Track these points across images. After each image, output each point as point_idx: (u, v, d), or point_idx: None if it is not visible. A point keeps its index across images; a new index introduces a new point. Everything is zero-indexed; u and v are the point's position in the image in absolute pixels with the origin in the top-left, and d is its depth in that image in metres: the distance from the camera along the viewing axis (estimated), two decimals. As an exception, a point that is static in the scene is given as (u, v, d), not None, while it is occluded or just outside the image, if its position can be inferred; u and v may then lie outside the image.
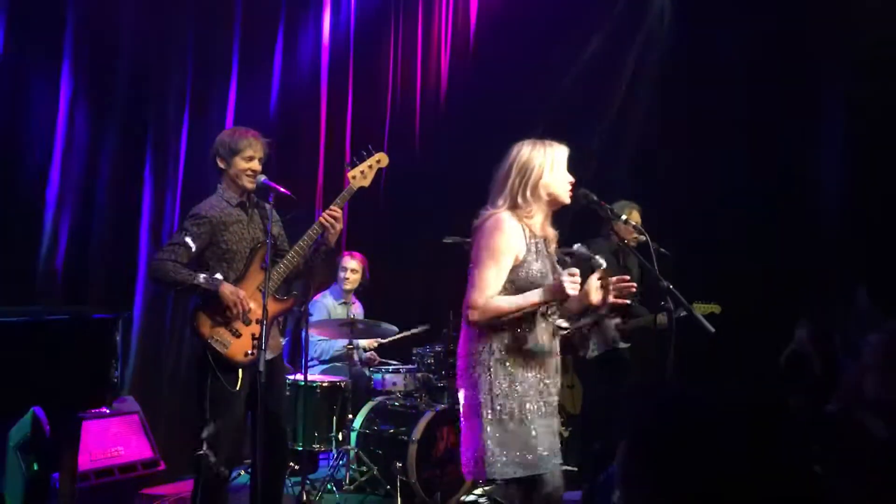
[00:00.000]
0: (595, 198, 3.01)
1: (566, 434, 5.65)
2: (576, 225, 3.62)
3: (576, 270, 2.66)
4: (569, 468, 2.81)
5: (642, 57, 7.14)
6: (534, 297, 2.69)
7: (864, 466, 4.27)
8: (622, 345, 5.18)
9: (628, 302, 2.88)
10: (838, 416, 4.36)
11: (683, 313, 2.88)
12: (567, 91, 7.04)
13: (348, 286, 5.61)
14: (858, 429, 4.33)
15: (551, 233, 2.88)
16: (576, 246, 2.83)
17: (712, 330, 2.74)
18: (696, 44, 6.79)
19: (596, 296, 2.78)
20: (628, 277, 2.84)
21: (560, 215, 2.98)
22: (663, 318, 4.67)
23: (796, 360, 5.31)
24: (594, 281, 2.79)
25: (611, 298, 2.80)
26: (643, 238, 3.47)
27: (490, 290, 2.68)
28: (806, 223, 6.28)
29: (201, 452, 3.33)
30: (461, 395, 2.82)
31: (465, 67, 7.29)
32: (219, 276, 3.43)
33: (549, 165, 2.80)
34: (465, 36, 7.35)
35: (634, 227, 3.36)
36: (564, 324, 2.78)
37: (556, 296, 2.66)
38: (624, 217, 3.18)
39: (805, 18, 6.23)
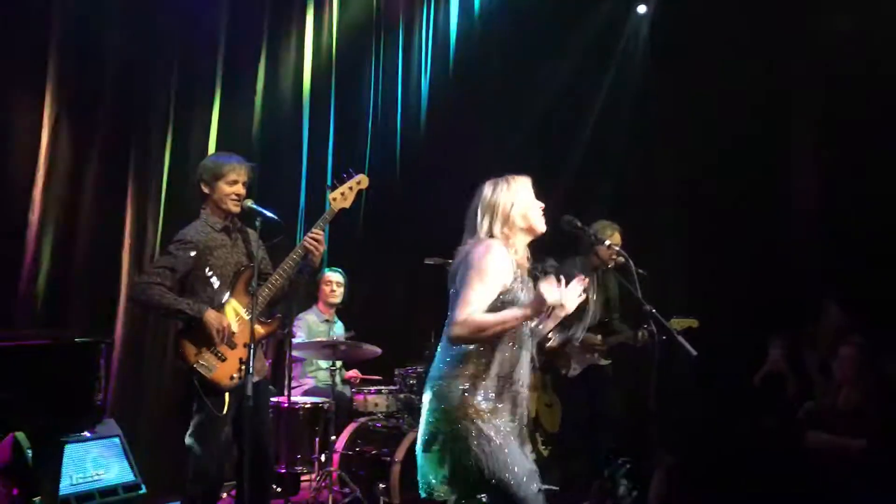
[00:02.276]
0: (578, 224, 3.07)
1: (545, 452, 5.69)
2: (552, 243, 3.67)
3: (552, 279, 2.66)
4: (549, 487, 2.83)
5: (619, 75, 7.27)
6: (516, 311, 2.68)
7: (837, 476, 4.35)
8: (603, 361, 5.24)
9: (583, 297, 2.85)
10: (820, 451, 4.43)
11: (665, 336, 2.94)
12: (545, 114, 7.16)
13: (334, 299, 5.64)
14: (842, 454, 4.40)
15: (526, 262, 2.90)
16: (547, 260, 2.86)
17: (694, 353, 2.79)
18: (671, 65, 6.92)
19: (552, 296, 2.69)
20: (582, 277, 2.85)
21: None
22: (644, 334, 4.75)
23: (770, 381, 5.41)
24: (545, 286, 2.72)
25: (566, 300, 2.78)
26: (622, 260, 3.54)
27: (473, 307, 2.65)
28: (778, 239, 6.40)
29: (188, 475, 3.34)
30: (430, 416, 2.77)
31: (445, 89, 7.37)
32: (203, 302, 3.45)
33: (515, 198, 2.83)
34: (444, 57, 7.44)
35: (616, 250, 3.42)
36: (551, 335, 2.79)
37: (537, 307, 2.64)
38: (607, 242, 3.25)
39: (775, 31, 6.37)
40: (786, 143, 6.59)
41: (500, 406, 2.71)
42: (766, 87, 6.47)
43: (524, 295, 2.77)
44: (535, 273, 2.85)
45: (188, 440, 3.42)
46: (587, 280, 2.84)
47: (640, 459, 4.49)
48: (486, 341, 2.71)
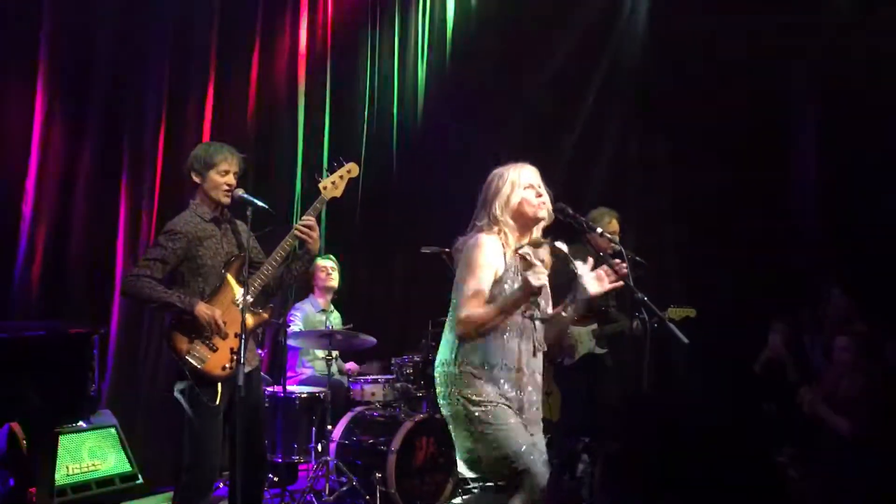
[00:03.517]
0: (571, 211, 3.06)
1: (546, 440, 5.70)
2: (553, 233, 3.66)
3: (540, 266, 2.68)
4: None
5: (617, 65, 7.23)
6: (510, 298, 2.78)
7: (830, 464, 4.36)
8: (599, 350, 5.23)
9: (621, 284, 2.92)
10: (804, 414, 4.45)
11: (657, 325, 2.93)
12: (542, 101, 7.12)
13: (331, 283, 5.63)
14: (824, 428, 4.43)
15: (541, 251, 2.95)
16: (557, 243, 2.89)
17: (685, 341, 2.79)
18: (668, 55, 6.88)
19: (594, 286, 2.87)
20: (617, 260, 2.92)
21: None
22: (638, 323, 4.74)
23: (771, 367, 5.40)
24: (588, 273, 2.88)
25: (608, 286, 2.89)
26: (618, 248, 3.52)
27: (472, 303, 2.80)
28: (780, 225, 6.38)
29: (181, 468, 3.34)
30: (442, 403, 2.91)
31: (441, 78, 7.33)
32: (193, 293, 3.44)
33: (515, 187, 2.93)
34: (441, 46, 7.40)
35: (610, 238, 3.40)
36: (546, 316, 2.88)
37: (526, 290, 2.71)
38: (600, 230, 3.24)
39: (777, 23, 6.33)
40: (786, 125, 6.55)
41: (504, 392, 2.82)
42: (767, 69, 6.42)
43: (515, 280, 2.84)
44: (525, 257, 2.85)
45: (183, 431, 3.41)
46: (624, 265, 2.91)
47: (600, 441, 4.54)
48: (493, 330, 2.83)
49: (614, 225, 5.10)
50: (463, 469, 2.89)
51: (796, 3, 6.16)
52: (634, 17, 7.26)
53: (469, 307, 2.79)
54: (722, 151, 6.48)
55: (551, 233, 3.07)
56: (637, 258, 3.85)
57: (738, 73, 6.48)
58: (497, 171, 3.01)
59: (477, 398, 2.79)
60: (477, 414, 2.77)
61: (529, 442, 2.80)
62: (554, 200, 3.00)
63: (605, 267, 2.91)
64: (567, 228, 3.13)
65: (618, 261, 2.93)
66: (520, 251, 2.67)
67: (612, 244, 3.54)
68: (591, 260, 2.91)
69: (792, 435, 4.73)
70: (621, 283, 2.91)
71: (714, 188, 6.50)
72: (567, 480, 4.34)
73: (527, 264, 2.64)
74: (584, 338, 5.20)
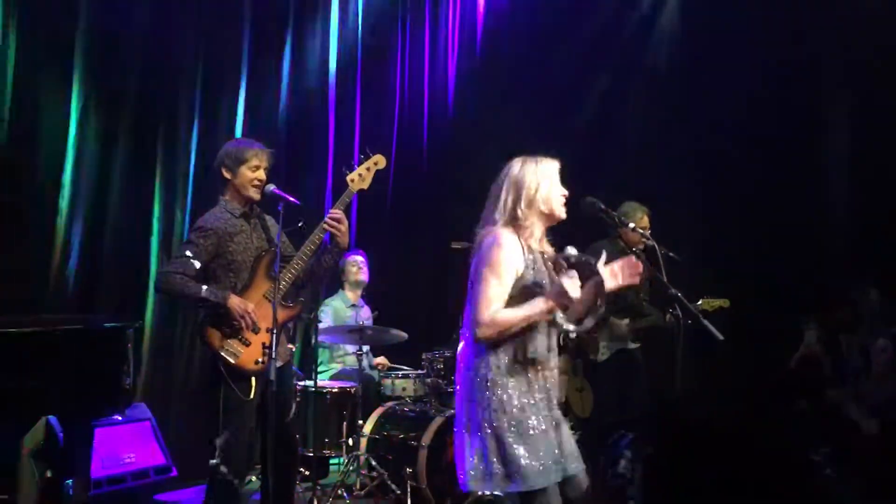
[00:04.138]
0: (602, 206, 3.02)
1: (575, 437, 5.66)
2: (580, 228, 3.62)
3: (574, 273, 2.66)
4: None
5: (645, 56, 7.15)
6: (539, 303, 2.68)
7: (859, 460, 4.28)
8: (632, 345, 5.19)
9: (638, 280, 2.85)
10: (836, 414, 4.39)
11: (691, 321, 2.89)
12: (572, 94, 7.07)
13: (362, 276, 5.66)
14: (853, 426, 4.35)
15: (549, 248, 2.87)
16: (567, 249, 2.82)
17: (720, 337, 2.74)
18: (700, 45, 6.79)
19: (609, 282, 2.76)
20: (633, 258, 2.84)
21: (566, 219, 2.98)
22: (670, 318, 4.69)
23: (806, 364, 5.32)
24: (602, 267, 2.77)
25: (624, 281, 2.80)
26: (650, 243, 3.49)
27: (495, 305, 2.67)
28: (817, 222, 6.27)
29: (214, 462, 3.36)
30: (459, 407, 2.81)
31: (472, 72, 7.31)
32: (225, 287, 3.46)
33: (541, 180, 2.80)
34: (472, 40, 7.38)
35: (641, 233, 3.36)
36: (572, 328, 2.75)
37: (560, 299, 2.65)
38: (632, 225, 3.20)
39: (808, 20, 6.23)
40: (817, 119, 6.44)
41: (527, 393, 2.71)
42: (796, 61, 6.31)
43: (538, 279, 2.75)
44: (559, 262, 2.81)
45: (217, 425, 3.43)
46: (639, 262, 2.83)
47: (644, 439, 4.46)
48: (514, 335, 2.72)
49: (645, 220, 5.05)
50: (471, 481, 2.70)
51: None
52: (663, 7, 7.18)
53: (492, 310, 2.66)
54: (754, 143, 6.39)
55: (579, 228, 3.02)
56: (670, 254, 3.82)
57: (768, 62, 6.38)
58: (514, 163, 2.86)
59: (505, 403, 2.67)
60: (503, 421, 2.66)
61: (547, 464, 2.67)
62: (577, 196, 2.92)
63: (619, 262, 2.81)
64: (596, 223, 3.08)
65: (633, 258, 2.84)
66: (570, 257, 2.57)
67: (644, 239, 3.51)
68: (604, 254, 2.82)
69: (827, 433, 4.66)
70: (637, 280, 2.82)
71: (748, 180, 6.41)
72: (612, 478, 4.29)
73: (563, 271, 2.57)
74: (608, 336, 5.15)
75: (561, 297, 2.64)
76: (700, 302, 4.99)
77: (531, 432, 2.67)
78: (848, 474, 4.27)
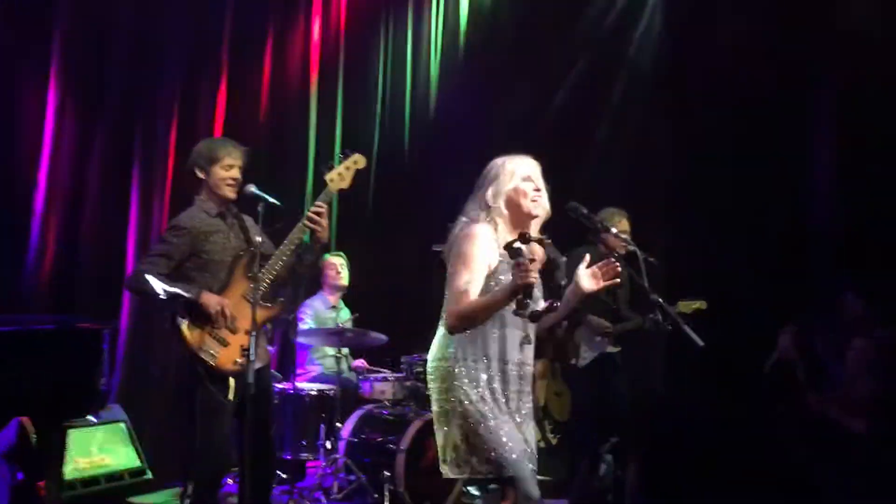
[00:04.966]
0: (584, 211, 3.02)
1: (554, 441, 5.66)
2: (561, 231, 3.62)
3: (526, 261, 2.59)
4: (544, 478, 2.82)
5: (634, 57, 7.18)
6: (499, 293, 2.69)
7: (847, 462, 4.31)
8: (611, 349, 5.19)
9: (618, 281, 2.88)
10: (820, 417, 4.41)
11: (671, 326, 2.89)
12: (556, 95, 7.08)
13: (340, 281, 5.61)
14: (839, 427, 4.38)
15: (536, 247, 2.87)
16: (544, 238, 2.82)
17: (701, 343, 2.75)
18: (685, 42, 6.82)
19: (588, 283, 2.81)
20: (613, 259, 2.86)
21: (548, 223, 2.98)
22: (650, 324, 4.69)
23: (780, 368, 5.35)
24: (583, 270, 2.83)
25: (602, 283, 2.84)
26: (632, 248, 3.49)
27: (464, 297, 2.70)
28: (796, 226, 6.31)
29: (191, 463, 3.32)
30: (431, 399, 2.86)
31: (455, 72, 7.30)
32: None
33: (512, 177, 2.84)
34: (455, 40, 7.36)
35: (623, 238, 3.37)
36: (539, 310, 2.69)
37: (519, 283, 2.60)
38: (613, 230, 3.20)
39: (796, 16, 6.26)
40: (802, 121, 6.48)
41: (491, 386, 2.75)
42: (785, 61, 6.34)
43: (510, 274, 2.73)
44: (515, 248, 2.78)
45: (194, 427, 3.40)
46: (617, 264, 2.85)
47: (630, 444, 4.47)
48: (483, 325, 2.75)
49: (625, 224, 5.05)
50: (449, 468, 2.77)
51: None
52: (650, 7, 7.21)
53: (463, 301, 2.69)
54: (737, 144, 6.42)
55: (560, 232, 3.02)
56: (650, 258, 3.82)
57: (754, 62, 6.41)
58: (496, 160, 2.91)
59: (472, 394, 2.72)
60: (471, 411, 2.70)
61: (523, 450, 2.73)
62: (556, 202, 2.92)
63: (600, 265, 2.84)
64: (579, 227, 3.08)
65: (613, 260, 2.86)
66: (512, 245, 2.56)
67: (626, 244, 3.50)
68: (587, 257, 2.85)
69: (807, 434, 4.69)
70: (617, 281, 2.85)
71: (728, 182, 6.44)
72: (595, 482, 4.29)
73: (515, 259, 2.55)
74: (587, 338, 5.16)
75: (517, 278, 2.56)
76: (677, 305, 5.01)
77: (494, 423, 2.70)
78: (835, 472, 4.30)
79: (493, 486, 2.82)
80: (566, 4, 7.12)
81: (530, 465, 2.75)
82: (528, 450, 2.77)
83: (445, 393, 2.77)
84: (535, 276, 2.63)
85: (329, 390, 4.95)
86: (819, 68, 6.39)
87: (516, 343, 2.81)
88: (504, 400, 2.77)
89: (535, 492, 2.70)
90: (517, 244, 2.56)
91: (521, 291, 2.60)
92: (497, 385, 2.76)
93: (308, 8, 6.38)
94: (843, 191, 6.18)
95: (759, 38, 6.38)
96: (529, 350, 2.86)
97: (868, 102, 5.88)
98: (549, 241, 2.82)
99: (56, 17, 4.77)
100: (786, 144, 6.37)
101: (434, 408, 2.84)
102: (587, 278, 2.82)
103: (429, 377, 2.88)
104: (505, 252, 2.72)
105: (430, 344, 2.84)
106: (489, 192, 2.84)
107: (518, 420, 2.79)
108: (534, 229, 2.90)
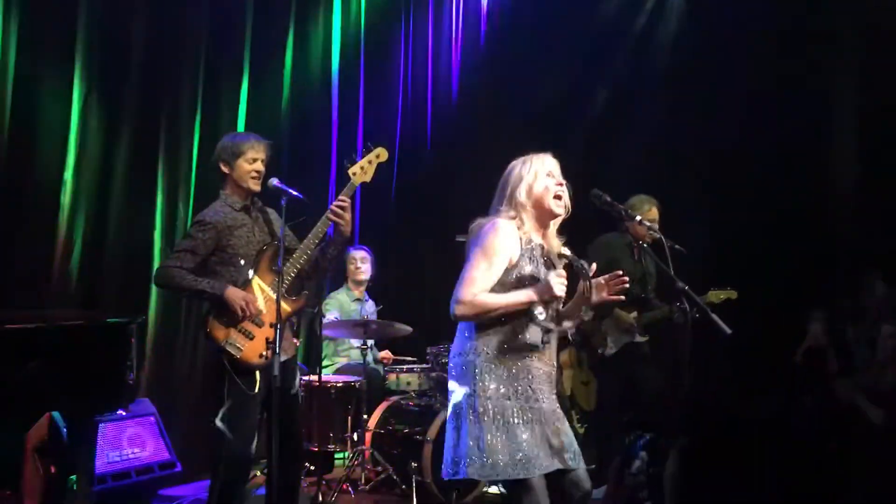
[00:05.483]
0: (608, 199, 3.00)
1: (581, 430, 5.63)
2: (595, 220, 3.59)
3: (563, 272, 2.68)
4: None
5: (649, 45, 7.10)
6: (521, 295, 2.70)
7: (869, 451, 4.25)
8: (640, 338, 5.16)
9: (622, 298, 2.88)
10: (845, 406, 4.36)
11: (698, 315, 2.86)
12: (578, 85, 7.02)
13: (360, 276, 5.63)
14: (861, 417, 4.32)
15: (555, 242, 2.89)
16: (563, 249, 2.83)
17: (728, 331, 2.72)
18: (705, 30, 6.74)
19: (595, 296, 2.80)
20: (620, 273, 2.84)
21: (577, 212, 2.97)
22: (677, 312, 4.65)
23: (812, 357, 5.29)
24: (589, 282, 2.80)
25: (605, 296, 2.83)
26: (658, 236, 3.45)
27: (477, 287, 2.70)
28: (823, 214, 6.23)
29: (219, 455, 3.35)
30: (450, 394, 2.84)
31: (476, 63, 7.27)
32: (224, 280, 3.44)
33: (533, 175, 2.85)
34: (476, 31, 7.33)
35: (648, 225, 3.33)
36: (552, 325, 2.77)
37: (544, 294, 2.68)
38: (638, 217, 3.17)
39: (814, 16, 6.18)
40: (826, 109, 6.38)
41: (511, 384, 2.73)
42: (803, 57, 6.26)
43: (531, 268, 2.78)
44: (552, 261, 2.83)
45: (219, 421, 3.41)
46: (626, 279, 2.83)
47: (667, 437, 4.41)
48: (492, 320, 2.74)
49: (654, 213, 5.01)
50: (469, 470, 2.68)
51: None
52: (670, 2, 7.13)
53: (475, 289, 2.69)
54: (760, 134, 6.34)
55: (588, 220, 3.01)
56: (676, 246, 3.78)
57: (773, 52, 6.33)
58: (519, 158, 2.93)
59: (493, 389, 2.69)
60: (490, 407, 2.68)
61: (537, 454, 2.67)
62: (580, 191, 2.91)
63: (606, 277, 2.82)
64: (604, 217, 3.06)
65: (619, 273, 2.83)
66: (565, 257, 2.60)
67: (651, 232, 3.47)
68: (594, 266, 2.83)
69: (833, 424, 4.63)
70: (622, 297, 2.85)
71: (753, 171, 6.38)
72: (628, 479, 4.25)
73: (576, 269, 2.57)
74: (614, 329, 5.12)
75: (544, 292, 2.67)
76: (707, 294, 4.96)
77: (512, 421, 2.68)
78: (858, 462, 4.24)
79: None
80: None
81: (556, 462, 2.70)
82: (551, 451, 2.71)
83: (462, 387, 2.76)
84: (559, 294, 2.67)
85: (355, 382, 4.96)
86: (842, 53, 6.29)
87: (541, 340, 2.78)
88: (529, 396, 2.74)
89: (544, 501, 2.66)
90: (568, 253, 2.64)
91: (550, 299, 2.63)
92: (519, 382, 2.74)
93: (328, 1, 6.37)
94: (867, 179, 6.09)
95: (785, 20, 6.29)
96: (553, 348, 2.86)
97: (890, 92, 5.79)
98: (579, 262, 2.79)
99: (77, 17, 4.79)
100: (811, 135, 6.28)
101: (451, 402, 2.81)
102: (592, 291, 2.79)
103: (449, 373, 2.87)
104: (529, 248, 2.77)
105: (454, 333, 2.84)
106: (515, 191, 2.84)
107: (540, 417, 2.74)
108: (552, 228, 2.91)
